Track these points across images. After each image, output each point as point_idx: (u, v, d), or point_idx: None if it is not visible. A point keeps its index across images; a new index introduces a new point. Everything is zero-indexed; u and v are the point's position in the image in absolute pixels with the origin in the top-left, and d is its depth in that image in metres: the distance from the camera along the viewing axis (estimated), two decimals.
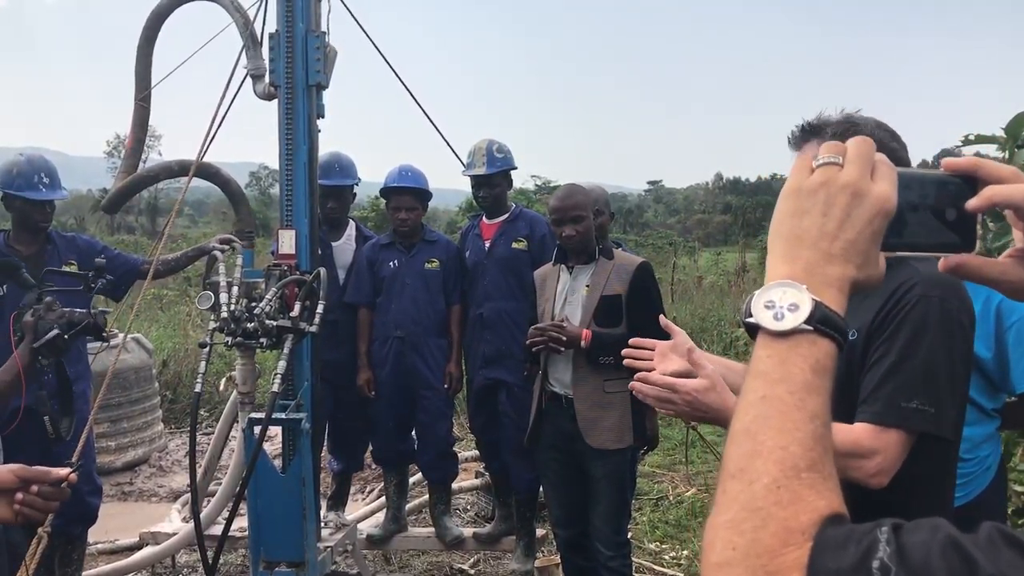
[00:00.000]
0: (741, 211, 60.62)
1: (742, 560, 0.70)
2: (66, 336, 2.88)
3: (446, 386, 4.73)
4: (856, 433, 1.75)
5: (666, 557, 5.30)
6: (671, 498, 6.41)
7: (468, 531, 5.11)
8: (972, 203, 0.87)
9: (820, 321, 0.79)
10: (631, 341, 2.16)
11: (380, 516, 5.20)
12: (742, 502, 0.72)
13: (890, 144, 1.90)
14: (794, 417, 0.75)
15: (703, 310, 13.76)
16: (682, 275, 18.51)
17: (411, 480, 5.46)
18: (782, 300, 0.80)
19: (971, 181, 0.88)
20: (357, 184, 5.10)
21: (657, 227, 54.96)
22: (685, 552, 5.35)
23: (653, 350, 2.17)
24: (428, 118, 4.82)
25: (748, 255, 21.45)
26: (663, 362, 2.23)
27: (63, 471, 1.69)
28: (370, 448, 5.16)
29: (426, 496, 5.35)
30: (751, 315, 0.82)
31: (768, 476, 0.72)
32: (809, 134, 1.99)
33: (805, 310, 0.79)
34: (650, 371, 2.03)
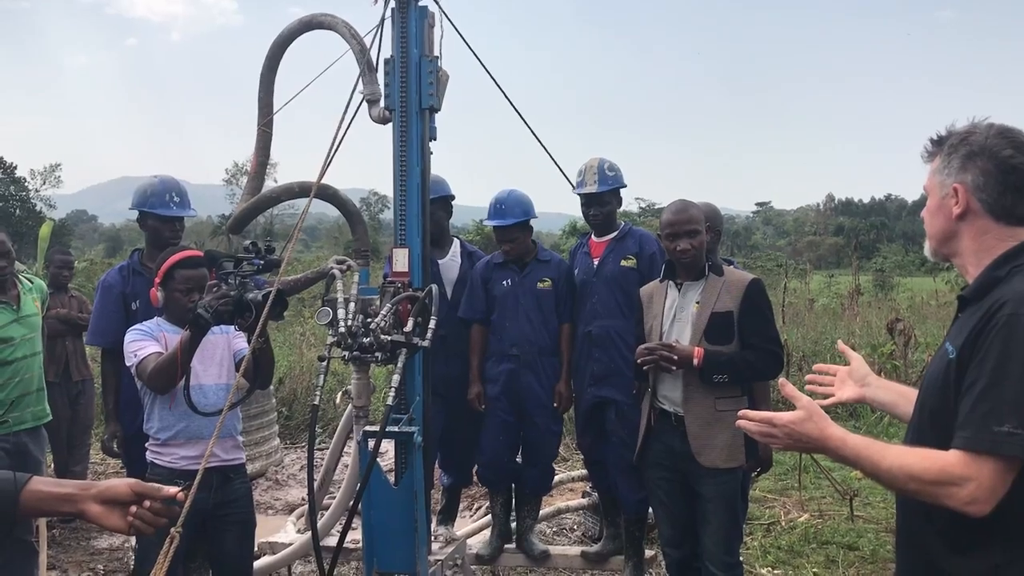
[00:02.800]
0: (854, 233, 58.77)
1: None
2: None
3: (555, 405, 4.75)
4: (946, 460, 1.71)
5: None
6: (783, 523, 6.25)
7: (576, 550, 5.10)
8: None
9: None
10: (816, 367, 2.17)
11: (487, 533, 5.24)
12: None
13: (1002, 152, 1.86)
14: None
15: (815, 333, 13.40)
16: (793, 298, 18.06)
17: None
18: None
19: None
20: (451, 199, 5.15)
21: (766, 249, 53.77)
22: None
23: (835, 375, 2.18)
24: (539, 141, 4.86)
25: (862, 278, 20.79)
26: (840, 388, 2.23)
27: (174, 489, 1.79)
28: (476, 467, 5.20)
29: (551, 507, 5.34)
30: None
31: None
32: (937, 145, 1.98)
33: None
34: (828, 396, 2.05)
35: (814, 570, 5.33)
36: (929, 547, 1.87)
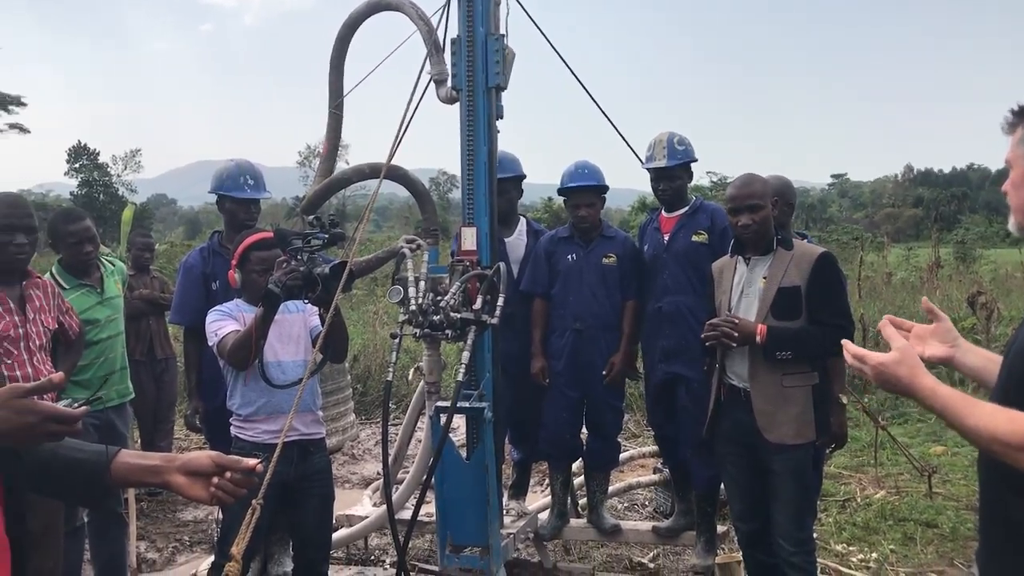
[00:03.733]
0: (934, 204, 56.99)
1: None
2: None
3: (604, 373, 4.73)
4: None
5: (853, 559, 5.11)
6: (859, 500, 6.16)
7: (647, 525, 5.11)
8: None
9: None
10: (886, 317, 2.11)
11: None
12: None
13: None
14: None
15: (893, 307, 13.09)
16: (869, 271, 17.65)
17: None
18: None
19: None
20: (522, 179, 5.19)
21: (842, 222, 52.55)
22: (874, 555, 5.14)
23: (909, 331, 2.15)
24: (607, 117, 4.85)
25: (942, 250, 20.17)
26: (919, 344, 2.19)
27: (252, 461, 1.86)
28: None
29: (622, 483, 5.35)
30: None
31: None
32: (1018, 116, 1.92)
33: None
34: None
35: (891, 547, 5.26)
36: (1014, 521, 1.84)
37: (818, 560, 4.27)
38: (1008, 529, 1.85)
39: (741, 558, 4.32)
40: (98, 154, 49.40)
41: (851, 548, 5.28)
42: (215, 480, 1.83)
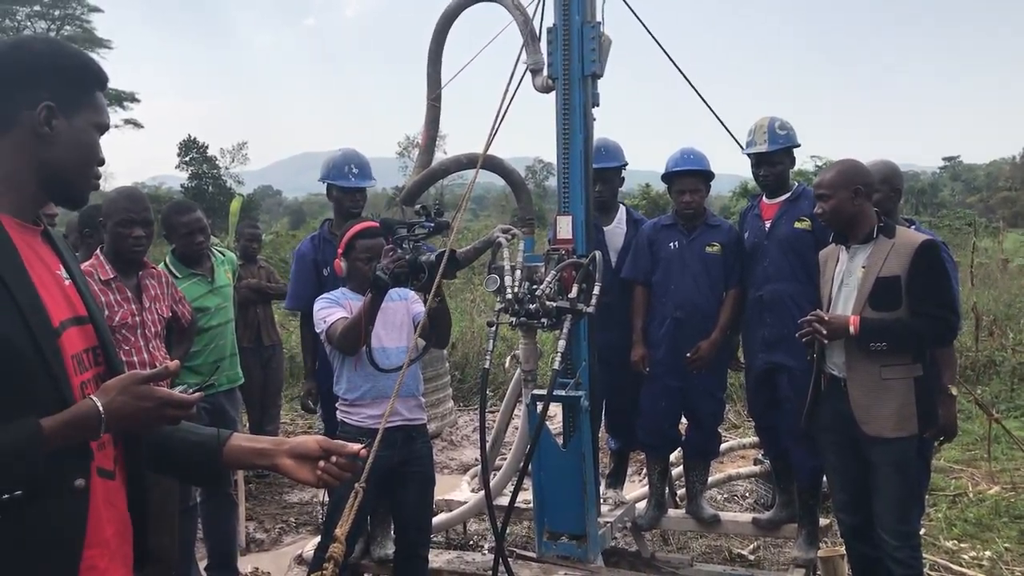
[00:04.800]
0: None
1: None
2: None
3: (688, 355, 4.67)
4: None
5: (965, 557, 4.92)
6: (971, 495, 5.93)
7: (747, 516, 5.04)
8: None
9: None
10: None
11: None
12: None
13: None
14: None
15: (1009, 295, 12.51)
16: (984, 258, 16.90)
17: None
18: None
19: None
20: (624, 167, 5.16)
21: (954, 207, 50.39)
22: (987, 553, 4.94)
23: None
24: (704, 100, 4.79)
25: None
26: None
27: (357, 446, 1.92)
28: None
29: (722, 474, 5.29)
30: None
31: None
32: None
33: None
34: None
35: (1005, 544, 5.05)
36: None
37: (925, 556, 4.15)
38: None
39: (844, 552, 4.21)
40: (207, 147, 51.14)
41: (962, 545, 5.10)
42: (321, 464, 1.89)
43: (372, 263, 3.73)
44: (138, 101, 45.95)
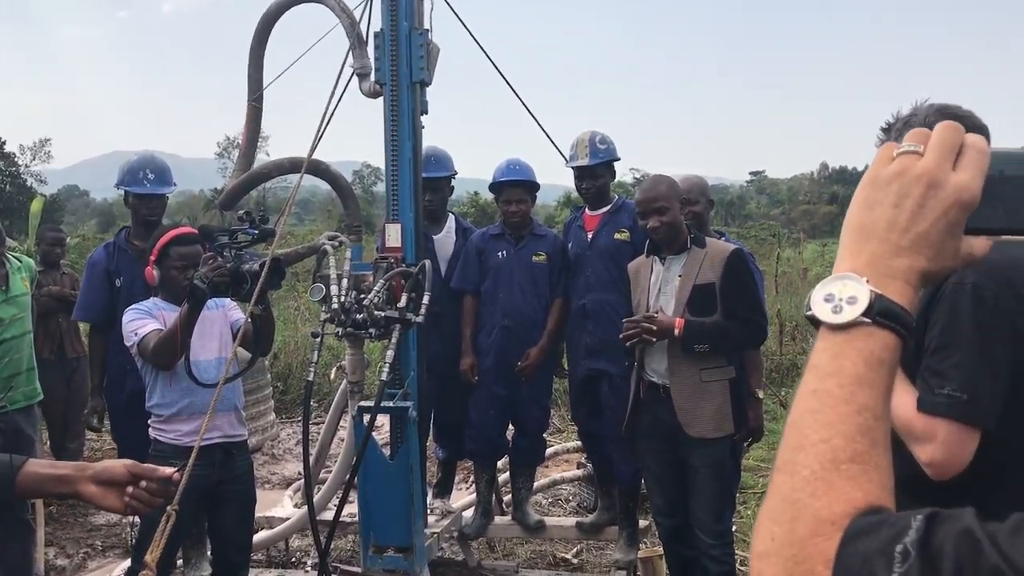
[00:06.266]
0: (849, 201, 58.70)
1: (778, 550, 0.70)
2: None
3: (519, 363, 4.72)
4: (912, 415, 1.73)
5: None
6: None
7: (571, 520, 5.14)
8: None
9: (880, 313, 0.77)
10: None
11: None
12: (783, 494, 0.73)
13: None
14: (841, 411, 0.74)
15: (809, 302, 13.43)
16: (786, 267, 18.10)
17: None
18: (841, 293, 0.79)
19: None
20: (454, 176, 5.18)
21: (760, 219, 53.79)
22: None
23: None
24: (530, 113, 4.86)
25: None
26: None
27: (168, 470, 1.80)
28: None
29: (547, 479, 5.34)
30: (811, 308, 0.81)
31: (808, 468, 0.72)
32: (886, 132, 1.97)
33: (863, 302, 0.77)
34: None
35: None
36: (902, 508, 1.88)
37: (737, 552, 4.35)
38: None
39: (663, 552, 4.37)
40: (4, 143, 47.49)
41: None
42: (130, 490, 1.76)
43: (187, 271, 3.54)
44: None
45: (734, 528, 4.37)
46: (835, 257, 0.87)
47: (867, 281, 0.79)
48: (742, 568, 4.72)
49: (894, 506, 0.71)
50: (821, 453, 0.72)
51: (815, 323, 0.82)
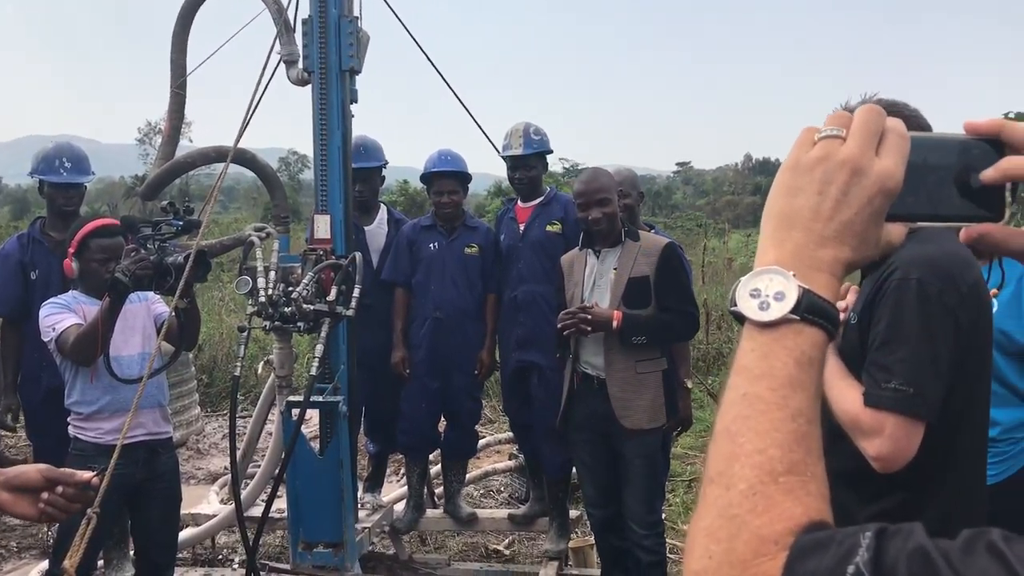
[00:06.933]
0: None
1: (716, 570, 0.67)
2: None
3: (476, 372, 4.76)
4: (858, 410, 1.76)
5: None
6: None
7: (503, 512, 5.14)
8: (988, 174, 0.79)
9: (808, 310, 0.74)
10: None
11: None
12: (719, 508, 0.70)
13: None
14: (774, 416, 0.71)
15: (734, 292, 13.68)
16: (712, 257, 18.39)
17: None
18: (768, 288, 0.76)
19: (997, 145, 0.80)
20: (385, 166, 5.11)
21: (686, 209, 54.62)
22: None
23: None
24: (460, 102, 4.83)
25: None
26: None
27: (87, 474, 1.72)
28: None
29: (479, 470, 5.34)
30: (736, 304, 0.78)
31: (744, 482, 0.69)
32: None
33: (791, 299, 0.74)
34: None
35: None
36: (843, 503, 1.90)
37: (668, 541, 4.41)
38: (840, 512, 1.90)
39: (594, 542, 4.40)
40: None
41: None
42: (45, 496, 1.68)
43: (108, 264, 3.42)
44: None
45: (664, 517, 4.42)
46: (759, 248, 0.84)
47: (794, 275, 0.76)
48: (671, 556, 4.79)
49: (832, 517, 0.69)
50: (758, 465, 0.70)
51: (739, 319, 0.78)
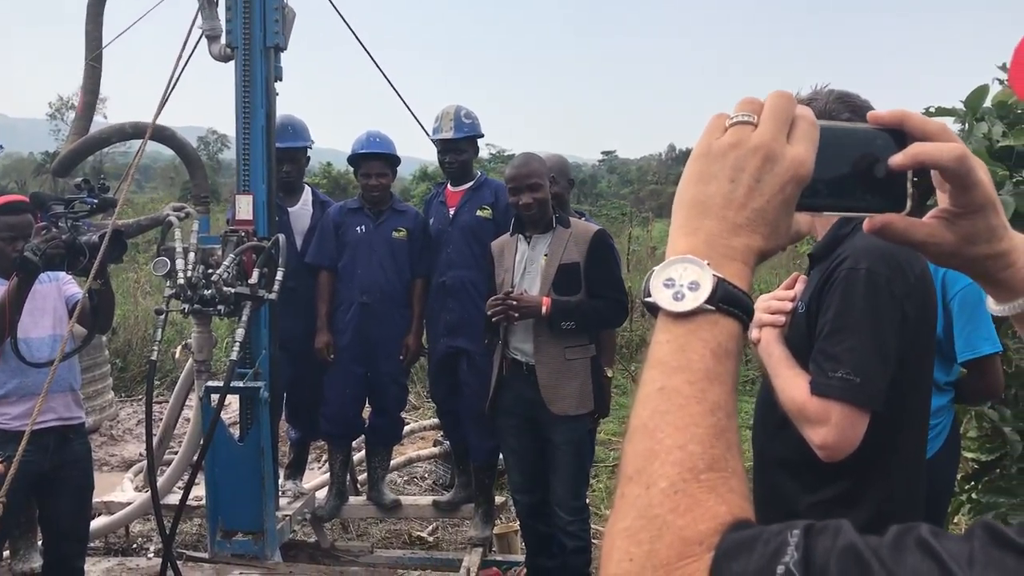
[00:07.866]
0: None
1: (638, 573, 0.64)
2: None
3: (401, 357, 4.70)
4: (805, 398, 1.77)
5: None
6: None
7: (428, 499, 5.11)
8: (896, 160, 0.80)
9: (723, 300, 0.73)
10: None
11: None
12: (639, 508, 0.67)
13: (840, 117, 1.87)
14: (693, 411, 0.69)
15: None
16: (636, 245, 18.61)
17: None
18: (682, 278, 0.74)
19: (900, 135, 0.82)
20: (311, 146, 5.01)
21: (611, 197, 55.14)
22: None
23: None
24: (389, 82, 4.76)
25: None
26: None
27: None
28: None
29: (403, 457, 5.30)
30: (650, 294, 0.76)
31: (665, 480, 0.66)
32: None
33: (706, 289, 0.73)
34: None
35: None
36: (794, 511, 1.90)
37: (592, 526, 4.44)
38: (784, 506, 1.92)
39: (518, 528, 4.40)
40: None
41: None
42: None
43: (16, 243, 3.27)
44: None
45: (588, 502, 4.46)
46: None
47: (708, 264, 0.74)
48: (595, 541, 4.83)
49: (753, 514, 0.67)
50: (678, 462, 0.67)
51: (653, 310, 0.76)
